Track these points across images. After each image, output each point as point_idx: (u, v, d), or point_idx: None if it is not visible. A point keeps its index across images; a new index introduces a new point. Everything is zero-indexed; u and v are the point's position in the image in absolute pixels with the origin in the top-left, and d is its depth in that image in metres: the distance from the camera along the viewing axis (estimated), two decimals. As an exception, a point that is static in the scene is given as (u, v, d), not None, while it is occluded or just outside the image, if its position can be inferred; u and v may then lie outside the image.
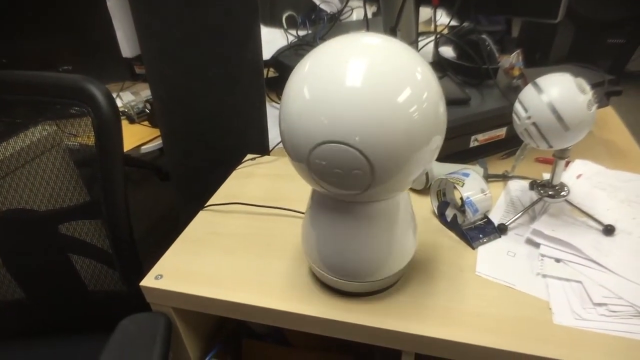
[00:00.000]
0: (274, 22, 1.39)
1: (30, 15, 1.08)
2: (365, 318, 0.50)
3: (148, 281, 0.58)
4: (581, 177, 0.71)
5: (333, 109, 0.38)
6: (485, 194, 0.61)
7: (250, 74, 0.84)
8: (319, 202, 0.49)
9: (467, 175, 0.62)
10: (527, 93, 0.55)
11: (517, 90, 0.65)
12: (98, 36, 1.16)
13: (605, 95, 0.87)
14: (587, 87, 0.52)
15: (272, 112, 1.02)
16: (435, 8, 0.88)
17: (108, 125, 0.62)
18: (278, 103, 1.17)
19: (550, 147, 0.55)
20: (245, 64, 0.84)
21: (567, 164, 0.74)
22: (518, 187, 0.71)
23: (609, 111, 0.99)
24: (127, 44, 0.86)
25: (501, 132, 0.84)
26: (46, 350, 0.76)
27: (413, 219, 0.53)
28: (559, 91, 0.52)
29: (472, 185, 0.61)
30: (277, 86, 1.22)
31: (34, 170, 0.74)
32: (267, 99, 0.99)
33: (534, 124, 0.54)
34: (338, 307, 0.52)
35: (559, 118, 0.52)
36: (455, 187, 0.63)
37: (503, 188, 0.71)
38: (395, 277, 0.53)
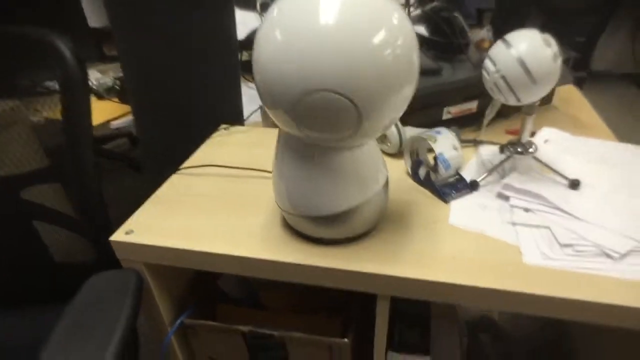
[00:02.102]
0: (248, 6, 1.39)
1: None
2: (339, 263, 0.50)
3: (118, 236, 0.56)
4: (548, 142, 0.73)
5: (313, 56, 0.38)
6: (457, 151, 0.63)
7: (224, 47, 0.84)
8: (286, 146, 0.49)
9: (439, 133, 0.63)
10: (496, 48, 0.56)
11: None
12: (65, 13, 1.13)
13: (570, 71, 0.90)
14: (553, 41, 0.55)
15: (246, 91, 1.02)
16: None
17: (75, 81, 0.60)
18: (252, 82, 1.16)
19: (518, 100, 0.57)
20: (219, 36, 0.84)
21: (533, 135, 0.76)
22: (489, 152, 0.72)
23: (573, 89, 1.03)
24: (93, 13, 0.84)
25: (473, 105, 0.86)
26: (12, 320, 0.73)
27: (384, 165, 0.53)
28: (526, 45, 0.54)
29: (444, 142, 0.62)
30: (251, 68, 1.22)
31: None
32: (242, 79, 0.98)
33: (502, 77, 0.55)
34: (312, 253, 0.52)
35: (527, 71, 0.54)
36: (428, 148, 0.64)
37: (474, 153, 0.73)
38: (367, 223, 0.53)
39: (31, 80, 0.72)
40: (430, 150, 0.65)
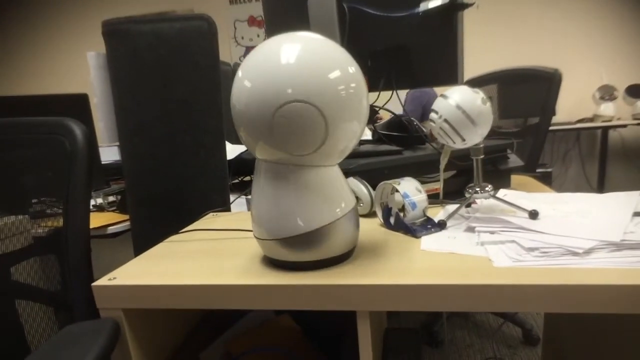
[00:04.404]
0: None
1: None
2: (317, 281, 0.52)
3: (100, 282, 0.57)
4: (506, 195, 0.80)
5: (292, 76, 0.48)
6: (421, 193, 0.69)
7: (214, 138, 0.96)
8: (261, 173, 0.55)
9: (402, 179, 0.70)
10: (437, 101, 0.68)
11: (441, 147, 0.78)
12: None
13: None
14: (479, 90, 0.67)
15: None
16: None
17: (82, 154, 0.68)
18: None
19: (464, 140, 0.66)
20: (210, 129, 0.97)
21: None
22: (454, 206, 0.78)
23: (529, 179, 1.14)
24: (106, 134, 0.98)
25: (437, 186, 0.95)
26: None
27: (350, 194, 0.58)
28: (459, 94, 0.66)
29: (407, 185, 0.69)
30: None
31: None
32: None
33: (445, 120, 0.65)
34: (289, 277, 0.53)
35: (464, 112, 0.64)
36: (394, 191, 0.70)
37: (441, 209, 0.79)
38: (339, 246, 0.55)
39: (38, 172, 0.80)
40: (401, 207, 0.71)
